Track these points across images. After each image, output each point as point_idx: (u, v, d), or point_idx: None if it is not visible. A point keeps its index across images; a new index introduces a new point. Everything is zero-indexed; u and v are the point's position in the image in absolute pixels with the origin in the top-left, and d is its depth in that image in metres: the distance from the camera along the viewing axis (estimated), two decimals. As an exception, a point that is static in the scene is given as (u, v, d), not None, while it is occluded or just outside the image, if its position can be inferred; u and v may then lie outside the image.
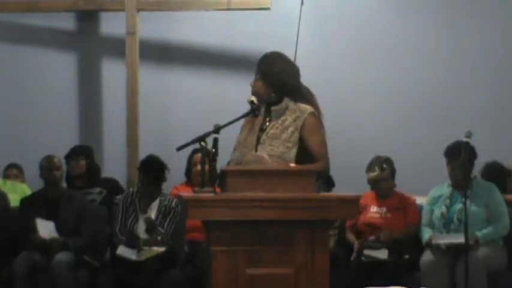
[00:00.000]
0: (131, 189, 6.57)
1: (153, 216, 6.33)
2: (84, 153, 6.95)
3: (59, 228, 6.30)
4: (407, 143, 7.35)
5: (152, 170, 6.41)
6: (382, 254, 6.16)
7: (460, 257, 5.80)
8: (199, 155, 5.89)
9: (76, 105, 7.61)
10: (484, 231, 6.03)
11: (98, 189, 6.80)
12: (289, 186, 4.39)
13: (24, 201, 6.54)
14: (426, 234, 6.15)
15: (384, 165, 6.37)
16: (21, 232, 6.32)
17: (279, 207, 4.30)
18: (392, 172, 6.44)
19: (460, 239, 5.72)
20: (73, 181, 6.92)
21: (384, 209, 6.38)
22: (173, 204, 6.36)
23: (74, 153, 6.92)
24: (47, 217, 6.32)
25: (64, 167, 6.70)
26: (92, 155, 7.01)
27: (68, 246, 6.26)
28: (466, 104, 7.43)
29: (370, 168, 6.41)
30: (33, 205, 6.41)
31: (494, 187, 6.28)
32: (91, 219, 6.47)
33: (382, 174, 6.37)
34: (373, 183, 6.42)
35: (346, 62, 7.51)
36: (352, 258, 6.27)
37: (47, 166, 6.46)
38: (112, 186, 6.99)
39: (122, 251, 6.17)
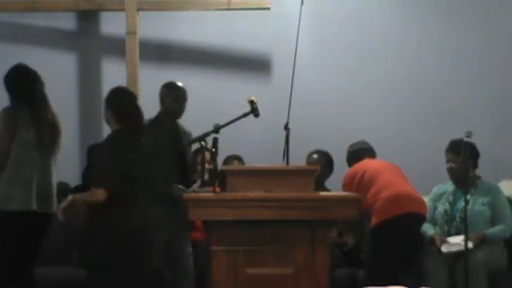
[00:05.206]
0: None
1: None
2: None
3: None
4: (408, 143, 7.34)
5: None
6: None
7: (460, 257, 5.80)
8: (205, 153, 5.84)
9: (76, 105, 7.60)
10: (491, 230, 6.01)
11: None
12: (289, 186, 4.39)
13: None
14: (429, 230, 6.14)
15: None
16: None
17: (279, 207, 4.30)
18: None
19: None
20: None
21: None
22: None
23: None
24: None
25: None
26: None
27: None
28: (466, 104, 7.42)
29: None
30: None
31: (498, 188, 6.27)
32: None
33: None
34: None
35: (346, 62, 7.51)
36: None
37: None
38: None
39: None
